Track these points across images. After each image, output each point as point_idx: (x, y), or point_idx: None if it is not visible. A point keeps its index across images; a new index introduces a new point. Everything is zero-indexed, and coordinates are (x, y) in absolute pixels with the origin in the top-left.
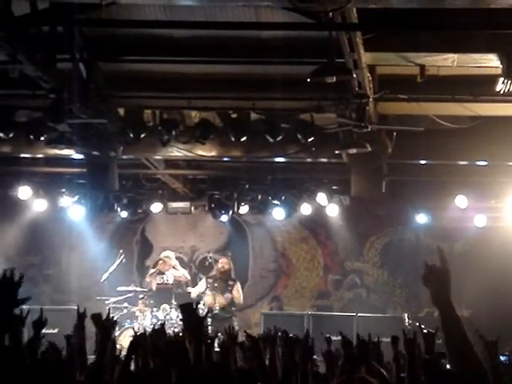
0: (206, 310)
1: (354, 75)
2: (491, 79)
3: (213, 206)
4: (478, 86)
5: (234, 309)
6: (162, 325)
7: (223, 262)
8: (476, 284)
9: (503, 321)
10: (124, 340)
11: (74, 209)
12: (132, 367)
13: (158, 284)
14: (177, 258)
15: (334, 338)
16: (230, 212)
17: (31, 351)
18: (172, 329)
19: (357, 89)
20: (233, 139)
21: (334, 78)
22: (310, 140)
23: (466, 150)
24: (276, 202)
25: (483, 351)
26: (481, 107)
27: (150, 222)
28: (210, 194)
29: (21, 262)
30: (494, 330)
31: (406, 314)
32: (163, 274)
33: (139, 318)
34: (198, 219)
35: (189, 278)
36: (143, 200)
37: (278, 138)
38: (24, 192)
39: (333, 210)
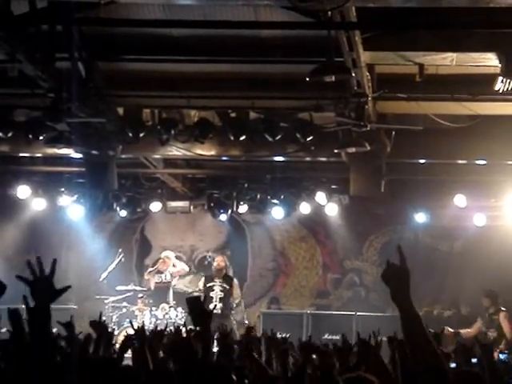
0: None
1: (353, 74)
2: (490, 78)
3: (212, 205)
4: (477, 85)
5: (234, 305)
6: (163, 328)
7: (218, 260)
8: (475, 283)
9: None
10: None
11: (73, 208)
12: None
13: (156, 283)
14: (176, 257)
15: (333, 337)
16: (229, 211)
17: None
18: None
19: (356, 88)
20: (232, 138)
21: (333, 77)
22: (309, 139)
23: (465, 149)
24: (275, 201)
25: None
26: (480, 106)
27: (149, 221)
28: (209, 193)
29: (20, 261)
30: None
31: None
32: (162, 273)
33: (138, 317)
34: (197, 218)
35: (187, 269)
36: (142, 199)
37: (277, 137)
38: (23, 191)
39: (332, 209)
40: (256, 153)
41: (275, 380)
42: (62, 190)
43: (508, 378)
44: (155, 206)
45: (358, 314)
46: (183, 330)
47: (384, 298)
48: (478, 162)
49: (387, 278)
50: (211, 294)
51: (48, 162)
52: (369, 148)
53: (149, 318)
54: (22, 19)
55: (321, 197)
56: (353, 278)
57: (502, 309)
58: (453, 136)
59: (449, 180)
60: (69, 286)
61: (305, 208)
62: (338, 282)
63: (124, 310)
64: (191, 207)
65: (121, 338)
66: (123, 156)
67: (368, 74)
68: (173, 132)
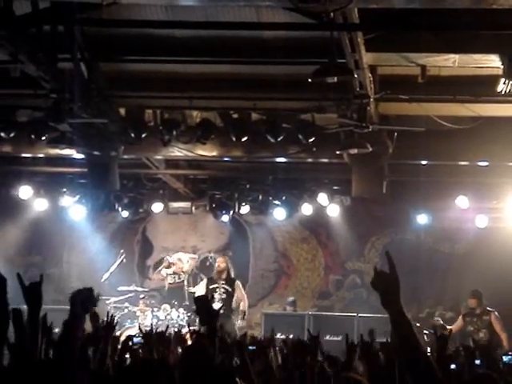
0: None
1: (355, 75)
2: (492, 80)
3: (214, 206)
4: (479, 87)
5: (234, 307)
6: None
7: (219, 261)
8: (477, 285)
9: (504, 321)
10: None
11: (75, 208)
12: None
13: (169, 284)
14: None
15: (335, 338)
16: (231, 212)
17: None
18: (173, 329)
19: (358, 89)
20: (234, 139)
21: (335, 79)
22: (310, 140)
23: (467, 151)
24: (277, 202)
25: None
26: (482, 108)
27: (150, 221)
28: (211, 193)
29: (22, 262)
30: None
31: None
32: (176, 274)
33: (140, 317)
34: (199, 219)
35: (196, 256)
36: (144, 200)
37: (279, 138)
38: (25, 192)
39: (334, 211)
40: (258, 154)
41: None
42: (64, 190)
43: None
44: (157, 207)
45: (359, 315)
46: (184, 330)
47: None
48: (480, 163)
49: (376, 285)
50: (214, 295)
51: (50, 163)
52: (371, 149)
53: (150, 318)
54: (24, 19)
55: (323, 198)
56: (354, 279)
57: (490, 309)
58: (455, 137)
59: (451, 181)
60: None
61: (306, 209)
62: (340, 283)
63: (126, 310)
64: (193, 208)
65: (122, 339)
66: (125, 157)
67: (370, 75)
68: (175, 133)
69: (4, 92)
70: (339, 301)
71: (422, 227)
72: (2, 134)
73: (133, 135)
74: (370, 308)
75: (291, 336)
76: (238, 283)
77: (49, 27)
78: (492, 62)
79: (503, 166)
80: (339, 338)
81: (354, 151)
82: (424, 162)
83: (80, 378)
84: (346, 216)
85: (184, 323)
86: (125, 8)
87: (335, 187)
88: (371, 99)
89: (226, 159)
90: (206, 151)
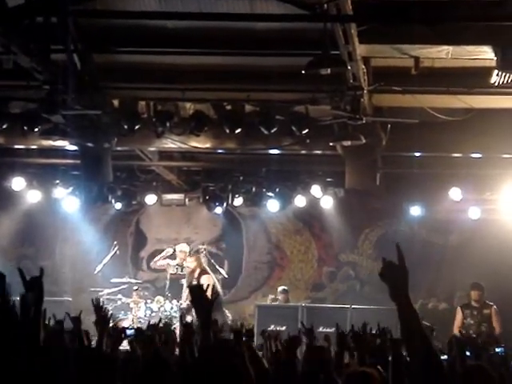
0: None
1: (349, 67)
2: (486, 71)
3: (207, 197)
4: (473, 79)
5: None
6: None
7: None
8: (470, 276)
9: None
10: None
11: (68, 200)
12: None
13: (171, 274)
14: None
15: (328, 330)
16: (225, 204)
17: None
18: (165, 320)
19: (351, 81)
20: (227, 131)
21: (329, 70)
22: (304, 132)
23: (461, 143)
24: (270, 194)
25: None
26: (475, 99)
27: (144, 213)
28: (205, 185)
29: (15, 254)
30: None
31: None
32: (179, 265)
33: (133, 309)
34: (193, 211)
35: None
36: (137, 192)
37: (273, 130)
38: (18, 183)
39: (327, 202)
40: (251, 146)
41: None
42: (57, 182)
43: (504, 369)
44: (150, 199)
45: (352, 306)
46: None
47: (379, 291)
48: (473, 155)
49: (385, 276)
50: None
51: (43, 154)
52: (364, 141)
53: (144, 310)
54: (18, 11)
55: (316, 190)
56: (348, 271)
57: (490, 303)
58: (448, 129)
59: (444, 173)
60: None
61: (300, 201)
62: (333, 275)
63: (119, 302)
64: (186, 200)
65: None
66: (118, 148)
67: (364, 66)
68: (168, 124)
69: None
70: (332, 293)
71: (415, 219)
72: None
73: (126, 127)
74: (363, 300)
75: (284, 328)
76: (209, 276)
77: (42, 18)
78: (485, 54)
79: (496, 157)
80: (332, 330)
81: (348, 143)
82: (417, 154)
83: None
84: (340, 208)
85: (177, 315)
86: None
87: (329, 179)
88: (365, 91)
89: (219, 151)
90: (200, 143)
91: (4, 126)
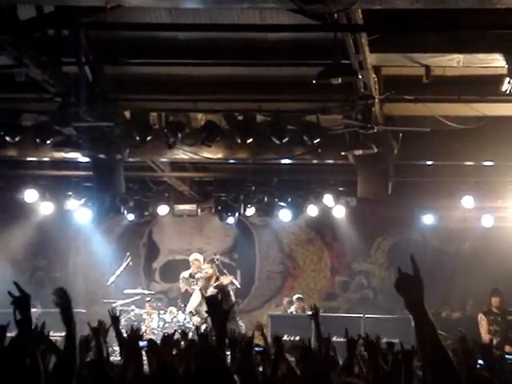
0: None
1: (360, 76)
2: (497, 79)
3: (219, 208)
4: (484, 86)
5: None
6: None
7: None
8: (484, 284)
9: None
10: None
11: (81, 212)
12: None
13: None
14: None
15: (341, 339)
16: (237, 214)
17: None
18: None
19: (362, 90)
20: (239, 141)
21: (340, 80)
22: (316, 141)
23: (473, 151)
24: (282, 203)
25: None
26: (487, 107)
27: (156, 224)
28: (217, 196)
29: (28, 266)
30: None
31: None
32: (193, 277)
33: (146, 320)
34: (205, 221)
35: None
36: (150, 203)
37: (284, 140)
38: (30, 195)
39: (339, 212)
40: (263, 155)
41: None
42: (70, 193)
43: None
44: (162, 210)
45: (366, 316)
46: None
47: (392, 299)
48: (485, 163)
49: (401, 287)
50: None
51: (55, 166)
52: (376, 150)
53: (157, 321)
54: (29, 24)
55: (328, 199)
56: (361, 280)
57: (510, 309)
58: (460, 137)
59: (456, 181)
60: None
61: (312, 210)
62: (346, 285)
63: (132, 313)
64: (198, 210)
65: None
66: (130, 159)
67: (375, 75)
68: (180, 135)
69: (9, 96)
70: (346, 302)
71: (427, 227)
72: (8, 138)
73: (138, 138)
74: (376, 309)
75: (298, 338)
76: (228, 276)
77: (53, 31)
78: (496, 62)
79: (508, 165)
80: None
81: (359, 152)
82: (429, 163)
83: None
84: (352, 217)
85: (191, 326)
86: (129, 11)
87: (341, 188)
88: (376, 100)
89: (231, 161)
90: (211, 153)
91: (16, 139)
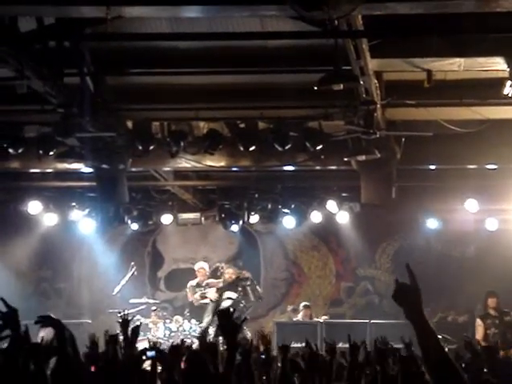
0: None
1: (361, 82)
2: (498, 82)
3: (223, 216)
4: (486, 90)
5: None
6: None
7: (229, 273)
8: (489, 287)
9: None
10: None
11: (85, 222)
12: None
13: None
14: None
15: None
16: (241, 222)
17: None
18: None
19: (364, 95)
20: (241, 149)
21: (341, 86)
22: (318, 148)
23: (475, 154)
24: (286, 210)
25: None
26: (489, 111)
27: (160, 233)
28: (220, 204)
29: (33, 277)
30: None
31: None
32: (200, 286)
33: (152, 329)
34: (209, 230)
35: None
36: (153, 212)
37: (287, 147)
38: (34, 207)
39: (343, 217)
40: (266, 163)
41: None
42: (74, 204)
43: None
44: (166, 219)
45: (371, 321)
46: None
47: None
48: (488, 166)
49: (398, 298)
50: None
51: (59, 177)
52: (379, 155)
53: (163, 330)
54: (30, 36)
55: (332, 205)
56: (366, 285)
57: (506, 310)
58: (462, 141)
59: (459, 185)
60: None
61: (316, 217)
62: (352, 290)
63: (138, 323)
64: (202, 219)
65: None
66: (133, 169)
67: (376, 81)
68: (182, 144)
69: (11, 108)
70: (351, 308)
71: (432, 232)
72: (11, 150)
73: (140, 148)
74: (382, 314)
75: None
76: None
77: (54, 43)
78: (497, 65)
79: (511, 167)
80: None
81: (362, 158)
82: (432, 167)
83: None
84: (356, 222)
85: (196, 334)
86: (129, 22)
87: (344, 194)
88: (378, 105)
89: (234, 169)
90: (214, 162)
91: (19, 151)
